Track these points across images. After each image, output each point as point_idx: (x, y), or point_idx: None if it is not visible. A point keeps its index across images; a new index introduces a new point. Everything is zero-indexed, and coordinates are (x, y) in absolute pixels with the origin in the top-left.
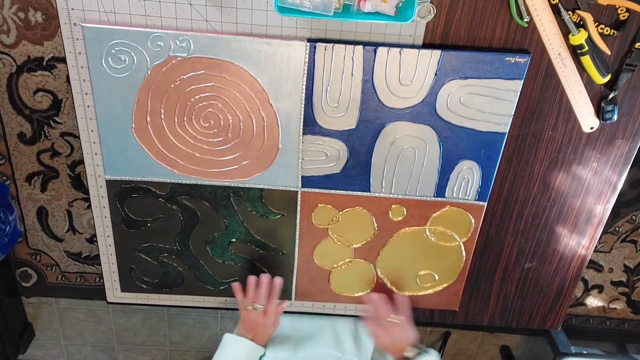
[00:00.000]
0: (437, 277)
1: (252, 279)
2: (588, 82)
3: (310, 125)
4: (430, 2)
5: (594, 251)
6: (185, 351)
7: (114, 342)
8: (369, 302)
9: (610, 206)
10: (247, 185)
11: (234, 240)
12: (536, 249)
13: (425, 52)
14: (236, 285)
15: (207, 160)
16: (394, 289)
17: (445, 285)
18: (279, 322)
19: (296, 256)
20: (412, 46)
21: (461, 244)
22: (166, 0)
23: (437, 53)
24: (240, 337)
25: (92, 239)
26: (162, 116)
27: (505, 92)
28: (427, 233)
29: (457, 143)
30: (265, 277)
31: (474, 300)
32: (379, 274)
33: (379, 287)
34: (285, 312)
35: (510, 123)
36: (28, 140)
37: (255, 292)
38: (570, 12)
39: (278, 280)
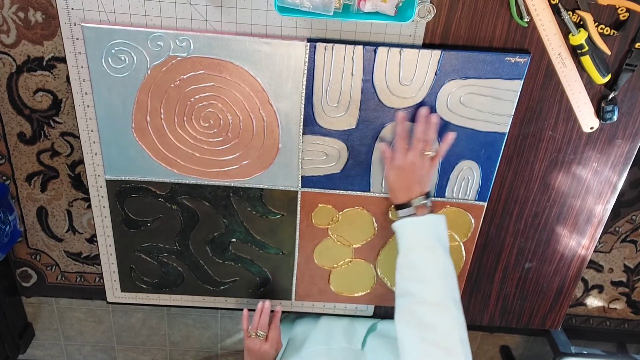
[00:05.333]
0: None
1: (260, 304)
2: (588, 82)
3: (310, 125)
4: (430, 2)
5: (594, 251)
6: (185, 351)
7: (114, 342)
8: (421, 120)
9: (610, 206)
10: (247, 185)
11: (234, 240)
12: (536, 249)
13: (425, 52)
14: (245, 313)
15: (207, 160)
16: (394, 289)
17: None
18: (282, 344)
19: (296, 256)
20: (412, 46)
21: (461, 244)
22: (166, 0)
23: (437, 53)
24: None
25: (92, 239)
26: (162, 116)
27: (505, 92)
28: None
29: (457, 143)
30: (267, 304)
31: (474, 300)
32: (379, 274)
33: (379, 287)
34: (288, 313)
35: (510, 123)
36: (28, 140)
37: (260, 319)
38: (570, 12)
39: (278, 308)
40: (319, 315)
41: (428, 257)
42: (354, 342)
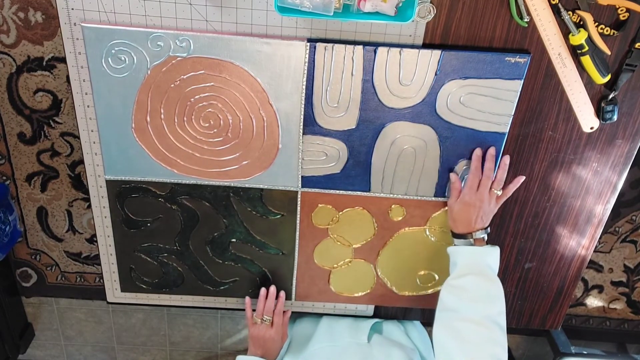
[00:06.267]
0: (437, 277)
1: (263, 290)
2: (588, 82)
3: (310, 125)
4: (430, 2)
5: (594, 251)
6: (185, 351)
7: (114, 342)
8: (489, 158)
9: (610, 206)
10: (247, 185)
11: (234, 240)
12: (536, 249)
13: (425, 52)
14: (247, 300)
15: (207, 160)
16: (394, 289)
17: None
18: (287, 335)
19: (296, 256)
20: (412, 46)
21: None
22: (166, 0)
23: (437, 53)
24: (252, 357)
25: (92, 239)
26: (162, 116)
27: (505, 92)
28: (427, 233)
29: (457, 143)
30: (271, 289)
31: None
32: (379, 274)
33: (379, 287)
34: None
35: (510, 123)
36: (28, 140)
37: (264, 304)
38: (570, 12)
39: (282, 294)
40: (318, 315)
41: (480, 282)
42: (359, 336)
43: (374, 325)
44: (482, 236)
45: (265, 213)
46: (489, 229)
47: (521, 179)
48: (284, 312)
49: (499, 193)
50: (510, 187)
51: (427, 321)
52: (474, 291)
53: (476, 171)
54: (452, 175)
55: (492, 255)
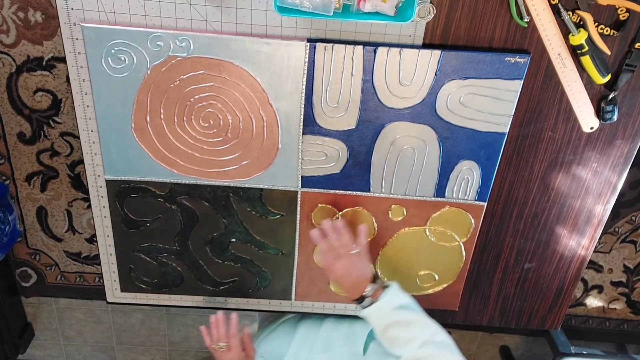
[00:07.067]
0: (437, 277)
1: (212, 318)
2: (588, 82)
3: (310, 125)
4: (430, 2)
5: (594, 251)
6: (184, 351)
7: (113, 342)
8: (323, 231)
9: (610, 206)
10: (246, 185)
11: (233, 240)
12: (536, 249)
13: (425, 52)
14: (203, 329)
15: (206, 160)
16: None
17: (445, 285)
18: (254, 351)
19: (296, 256)
20: (412, 46)
21: (461, 244)
22: (166, 0)
23: (437, 53)
24: None
25: (92, 239)
26: (162, 116)
27: (505, 92)
28: (427, 233)
29: (457, 143)
30: (219, 315)
31: (474, 300)
32: (378, 274)
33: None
34: (285, 312)
35: (510, 123)
36: (28, 140)
37: (217, 331)
38: (570, 12)
39: (233, 316)
40: (320, 315)
41: (402, 327)
42: (356, 347)
43: (371, 332)
44: (374, 287)
45: (265, 213)
46: (377, 272)
47: (364, 226)
48: (243, 334)
49: (357, 249)
50: (362, 239)
51: None
52: (403, 335)
53: (326, 247)
54: (317, 259)
55: (396, 298)
